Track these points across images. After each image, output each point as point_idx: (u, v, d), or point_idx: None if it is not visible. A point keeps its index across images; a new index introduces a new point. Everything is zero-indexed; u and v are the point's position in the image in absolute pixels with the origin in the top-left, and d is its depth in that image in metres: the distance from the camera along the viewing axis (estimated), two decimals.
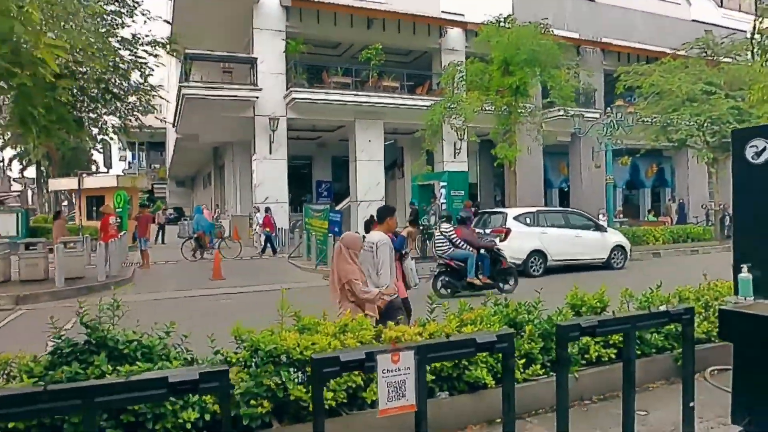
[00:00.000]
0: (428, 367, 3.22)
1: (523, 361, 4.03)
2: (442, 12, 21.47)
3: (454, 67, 16.99)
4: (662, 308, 3.71)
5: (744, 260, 3.66)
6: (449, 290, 10.24)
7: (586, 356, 4.48)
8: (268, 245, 17.85)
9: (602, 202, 19.94)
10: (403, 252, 6.03)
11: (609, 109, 19.19)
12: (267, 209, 18.36)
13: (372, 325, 4.02)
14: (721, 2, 27.40)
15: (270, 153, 19.44)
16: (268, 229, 17.78)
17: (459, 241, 10.38)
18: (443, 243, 10.44)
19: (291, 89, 19.19)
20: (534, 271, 13.19)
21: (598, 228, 14.50)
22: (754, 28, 10.33)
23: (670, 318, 3.71)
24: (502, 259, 10.70)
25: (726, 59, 19.64)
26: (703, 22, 24.40)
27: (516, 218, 13.49)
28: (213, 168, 34.12)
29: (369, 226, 20.89)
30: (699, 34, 21.19)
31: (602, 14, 23.83)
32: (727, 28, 23.60)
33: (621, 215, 24.33)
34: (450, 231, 10.42)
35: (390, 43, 20.89)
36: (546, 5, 21.50)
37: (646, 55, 22.49)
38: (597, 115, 21.16)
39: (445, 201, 16.99)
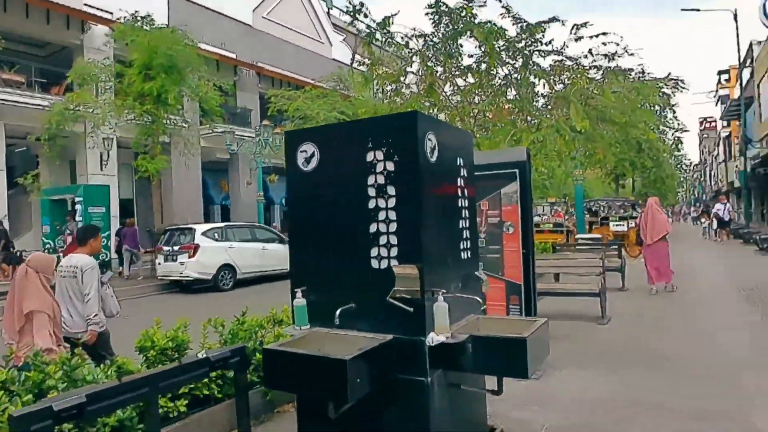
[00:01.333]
0: None
1: None
2: (85, 5, 19.05)
3: (86, 65, 15.18)
4: (201, 355, 3.20)
5: (300, 282, 3.04)
6: None
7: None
8: None
9: (257, 218, 20.84)
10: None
11: (257, 128, 20.27)
12: None
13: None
14: (355, 51, 32.32)
15: None
16: None
17: None
18: None
19: None
20: (224, 285, 13.56)
21: (282, 241, 15.28)
22: (353, 58, 12.27)
23: (212, 366, 3.15)
24: None
25: (353, 93, 23.13)
26: (340, 62, 28.17)
27: (204, 234, 13.78)
28: None
29: None
30: (337, 70, 24.43)
31: (258, 40, 25.11)
32: (360, 70, 27.84)
33: (278, 230, 25.91)
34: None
35: (16, 29, 17.47)
36: (203, 20, 21.43)
37: (295, 83, 24.64)
38: (252, 134, 22.11)
39: (81, 218, 14.94)
